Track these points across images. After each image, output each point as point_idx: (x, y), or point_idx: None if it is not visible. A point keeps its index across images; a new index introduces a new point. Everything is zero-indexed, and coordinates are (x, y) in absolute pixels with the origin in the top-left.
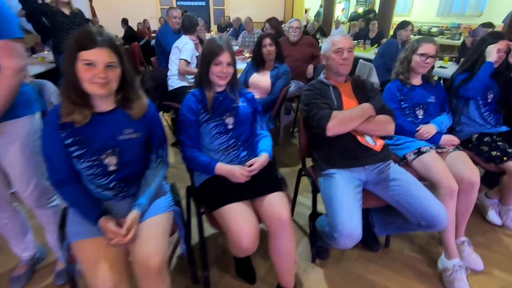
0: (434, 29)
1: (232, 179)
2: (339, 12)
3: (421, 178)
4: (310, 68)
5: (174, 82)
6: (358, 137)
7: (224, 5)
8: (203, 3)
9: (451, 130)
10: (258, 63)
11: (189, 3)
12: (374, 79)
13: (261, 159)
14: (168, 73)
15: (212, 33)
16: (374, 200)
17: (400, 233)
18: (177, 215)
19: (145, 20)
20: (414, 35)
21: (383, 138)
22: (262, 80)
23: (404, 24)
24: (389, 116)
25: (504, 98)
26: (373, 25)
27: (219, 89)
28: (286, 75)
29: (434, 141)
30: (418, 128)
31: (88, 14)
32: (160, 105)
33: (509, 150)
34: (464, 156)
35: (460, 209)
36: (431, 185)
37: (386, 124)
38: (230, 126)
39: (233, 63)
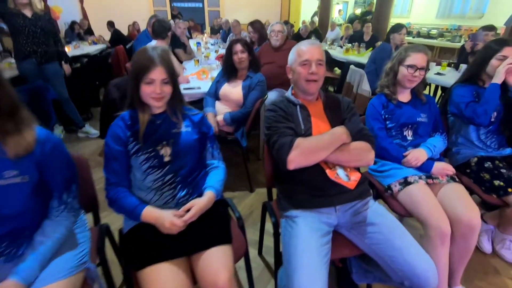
0: (433, 31)
1: (161, 229)
2: (336, 14)
3: (409, 213)
4: None
5: None
6: (327, 171)
7: (219, 6)
8: (200, 5)
9: (446, 151)
10: (228, 72)
11: (184, 4)
12: (365, 86)
13: (201, 202)
14: None
15: (205, 35)
16: (347, 248)
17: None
18: (93, 276)
19: (134, 23)
20: (413, 37)
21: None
22: (233, 91)
23: (397, 27)
24: (367, 142)
25: (509, 117)
26: (367, 27)
27: (158, 111)
28: (260, 86)
29: (424, 169)
30: (405, 153)
31: (78, 16)
32: None
33: None
34: (461, 190)
35: (456, 254)
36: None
37: (363, 153)
38: (166, 159)
39: (170, 80)
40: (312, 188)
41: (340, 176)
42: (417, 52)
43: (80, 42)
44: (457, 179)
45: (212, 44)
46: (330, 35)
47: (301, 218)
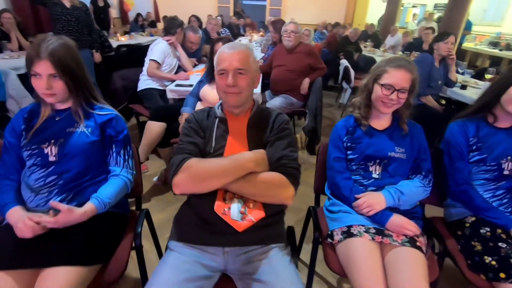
0: None
1: (16, 232)
2: (410, 18)
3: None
4: (305, 82)
5: (141, 83)
6: (217, 202)
7: (281, 5)
8: (264, 3)
9: (439, 199)
10: (211, 73)
11: (250, 2)
12: None
13: (74, 211)
14: (140, 74)
15: (256, 34)
16: None
17: None
18: None
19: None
20: (500, 49)
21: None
22: (210, 93)
23: (443, 36)
24: (285, 175)
25: None
26: (426, 35)
27: (61, 106)
28: None
29: (378, 220)
30: (359, 195)
31: (151, 9)
32: (125, 108)
33: None
34: (415, 261)
35: None
36: None
37: (274, 189)
38: (51, 158)
39: (62, 75)
40: (199, 219)
41: (230, 212)
42: (396, 68)
43: (138, 34)
44: (418, 243)
45: (256, 43)
46: (389, 41)
47: (175, 253)
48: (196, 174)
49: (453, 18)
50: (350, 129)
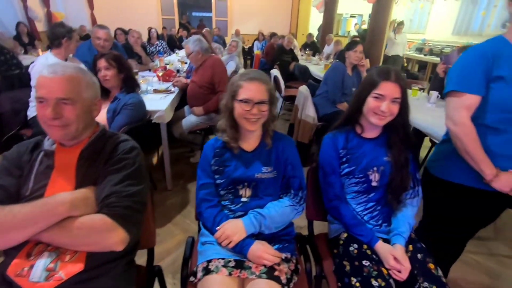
0: (447, 49)
1: None
2: (352, 27)
3: None
4: (210, 103)
5: (30, 109)
6: (15, 261)
7: (227, 16)
8: (210, 14)
9: (324, 215)
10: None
11: (198, 14)
12: (309, 111)
13: None
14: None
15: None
16: None
17: None
18: None
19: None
20: (425, 55)
21: None
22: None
23: (352, 45)
24: (111, 217)
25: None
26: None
27: None
28: (127, 110)
29: (239, 250)
30: (219, 227)
31: (88, 23)
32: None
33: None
34: None
35: None
36: None
37: (94, 235)
38: None
39: None
40: (3, 282)
41: (32, 272)
42: (249, 81)
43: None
44: (277, 273)
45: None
46: (326, 49)
47: None
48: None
49: (377, 27)
50: (218, 151)
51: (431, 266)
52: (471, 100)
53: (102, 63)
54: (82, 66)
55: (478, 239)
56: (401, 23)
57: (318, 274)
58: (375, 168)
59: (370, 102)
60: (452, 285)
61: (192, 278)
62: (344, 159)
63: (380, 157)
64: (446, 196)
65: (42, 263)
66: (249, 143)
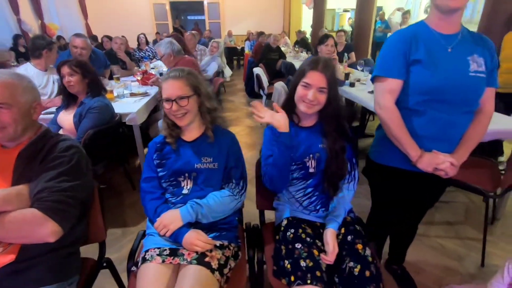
0: None
1: None
2: (346, 22)
3: None
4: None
5: None
6: None
7: (220, 18)
8: (203, 17)
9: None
10: (66, 97)
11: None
12: None
13: None
14: None
15: None
16: None
17: None
18: None
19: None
20: None
21: None
22: (65, 120)
23: (323, 39)
24: (41, 211)
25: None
26: (339, 37)
27: None
28: (92, 113)
29: (174, 239)
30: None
31: (83, 32)
32: None
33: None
34: (198, 278)
35: None
36: None
37: (26, 227)
38: None
39: None
40: None
41: None
42: (167, 80)
43: None
44: (208, 259)
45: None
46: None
47: None
48: None
49: (362, 20)
50: (158, 146)
51: (359, 246)
52: (393, 84)
53: (65, 69)
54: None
55: (447, 224)
56: (407, 12)
57: (259, 259)
58: (311, 155)
59: (299, 90)
60: (412, 267)
61: (133, 268)
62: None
63: (316, 144)
64: (383, 180)
65: None
66: (189, 135)
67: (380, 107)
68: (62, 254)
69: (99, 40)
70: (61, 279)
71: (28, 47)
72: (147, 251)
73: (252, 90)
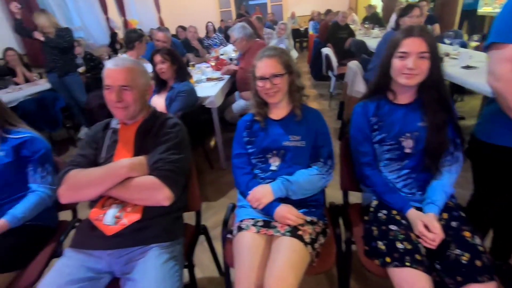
0: None
1: None
2: None
3: None
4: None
5: None
6: (94, 209)
7: (282, 0)
8: (265, 0)
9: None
10: (158, 83)
11: (254, 2)
12: (358, 87)
13: None
14: None
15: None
16: None
17: None
18: None
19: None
20: None
21: None
22: (158, 103)
23: (408, 9)
24: (159, 178)
25: (436, 143)
26: (422, 7)
27: None
28: (181, 96)
29: (266, 212)
30: (251, 191)
31: (157, 25)
32: None
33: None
34: (292, 250)
35: None
36: None
37: (146, 192)
38: None
39: None
40: (87, 225)
41: (105, 217)
42: (261, 59)
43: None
44: (300, 232)
45: None
46: (392, 19)
47: (63, 259)
48: (73, 185)
49: None
50: (248, 124)
51: (467, 234)
52: None
53: (157, 58)
54: (149, 64)
55: None
56: None
57: (348, 238)
58: (408, 135)
59: (396, 63)
60: None
61: (229, 235)
62: (375, 126)
63: (414, 122)
64: (492, 162)
65: (111, 212)
66: (277, 113)
67: (496, 78)
68: (172, 217)
69: (175, 32)
70: (173, 238)
71: (124, 41)
72: (241, 220)
73: (319, 73)
